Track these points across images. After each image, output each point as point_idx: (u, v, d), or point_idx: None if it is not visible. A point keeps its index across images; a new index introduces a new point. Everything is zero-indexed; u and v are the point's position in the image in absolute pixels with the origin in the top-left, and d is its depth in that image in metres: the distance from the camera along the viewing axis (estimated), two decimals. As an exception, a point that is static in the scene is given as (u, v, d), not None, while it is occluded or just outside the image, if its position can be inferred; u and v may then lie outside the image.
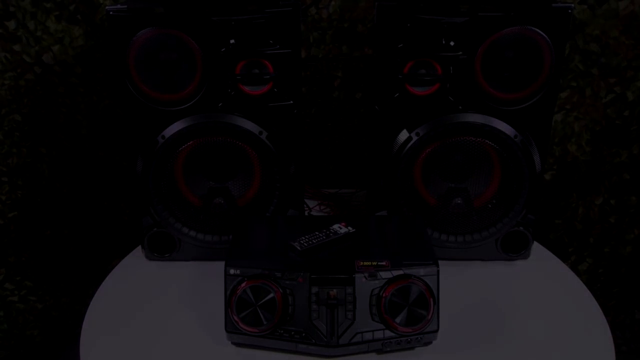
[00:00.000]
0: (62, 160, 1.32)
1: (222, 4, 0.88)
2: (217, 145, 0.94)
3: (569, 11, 0.86)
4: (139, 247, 1.07)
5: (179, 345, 0.85)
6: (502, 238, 1.01)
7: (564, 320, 0.90)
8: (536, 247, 1.06)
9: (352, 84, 1.28)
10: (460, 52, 0.89)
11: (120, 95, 0.92)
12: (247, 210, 1.00)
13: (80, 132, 1.29)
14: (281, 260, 0.82)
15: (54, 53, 1.20)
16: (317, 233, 0.87)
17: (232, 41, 0.89)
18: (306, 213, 1.17)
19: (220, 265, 0.81)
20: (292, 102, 0.95)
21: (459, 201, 0.98)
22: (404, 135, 0.94)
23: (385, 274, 0.80)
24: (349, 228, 0.89)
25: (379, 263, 0.80)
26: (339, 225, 0.90)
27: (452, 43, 0.89)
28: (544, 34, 0.87)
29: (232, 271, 0.80)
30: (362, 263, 0.80)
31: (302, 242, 0.85)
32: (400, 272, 0.80)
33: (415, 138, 0.93)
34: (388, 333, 0.79)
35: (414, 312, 0.79)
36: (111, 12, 0.86)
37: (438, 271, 0.80)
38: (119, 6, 0.87)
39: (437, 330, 0.80)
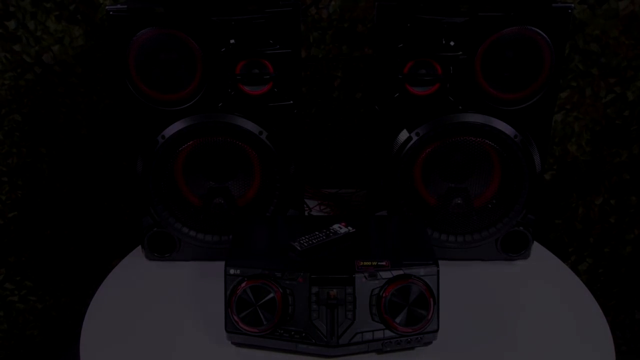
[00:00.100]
0: (62, 160, 1.32)
1: (222, 4, 0.88)
2: (217, 145, 0.94)
3: (569, 11, 0.86)
4: (139, 247, 1.07)
5: (179, 345, 0.85)
6: (502, 238, 1.01)
7: (564, 320, 0.90)
8: (536, 247, 1.06)
9: (352, 84, 1.28)
10: (460, 52, 0.89)
11: (120, 95, 0.92)
12: (247, 210, 1.00)
13: (80, 132, 1.29)
14: (281, 260, 0.82)
15: (54, 53, 1.20)
16: (317, 233, 0.87)
17: (232, 41, 0.89)
18: (306, 213, 1.17)
19: (220, 265, 0.81)
20: (292, 102, 0.95)
21: (459, 201, 0.98)
22: (404, 135, 0.94)
23: (385, 274, 0.80)
24: (349, 228, 0.89)
25: (379, 263, 0.80)
26: (339, 225, 0.90)
27: (452, 43, 0.89)
28: (544, 34, 0.87)
29: (232, 271, 0.80)
30: (362, 263, 0.80)
31: (302, 242, 0.85)
32: (400, 272, 0.80)
33: (415, 138, 0.93)
34: (388, 333, 0.79)
35: (414, 312, 0.79)
36: (111, 12, 0.86)
37: (438, 271, 0.80)
38: (119, 6, 0.87)
39: (437, 330, 0.80)
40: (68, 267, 1.43)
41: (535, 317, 0.91)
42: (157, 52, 0.88)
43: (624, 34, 1.18)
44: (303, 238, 0.86)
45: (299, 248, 0.84)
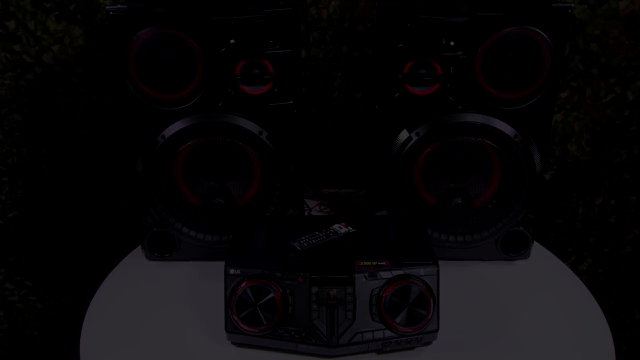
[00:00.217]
0: (62, 160, 1.32)
1: (222, 4, 0.88)
2: (217, 145, 0.94)
3: (569, 11, 0.86)
4: (139, 247, 1.07)
5: (179, 345, 0.85)
6: (502, 238, 1.01)
7: (564, 320, 0.90)
8: (536, 247, 1.06)
9: (352, 84, 1.28)
10: (460, 52, 0.89)
11: (120, 95, 0.92)
12: (247, 210, 1.00)
13: (80, 132, 1.29)
14: (281, 260, 0.82)
15: (54, 53, 1.20)
16: (317, 233, 0.87)
17: (232, 41, 0.89)
18: (306, 213, 1.17)
19: (220, 265, 0.81)
20: (292, 102, 0.95)
21: (459, 201, 0.98)
22: (404, 135, 0.94)
23: (385, 274, 0.80)
24: (349, 228, 0.89)
25: (379, 263, 0.80)
26: (339, 225, 0.90)
27: (452, 43, 0.89)
28: (544, 34, 0.87)
29: (232, 271, 0.80)
30: (362, 263, 0.80)
31: (302, 242, 0.85)
32: (400, 272, 0.80)
33: (415, 138, 0.93)
34: (388, 333, 0.80)
35: (414, 312, 0.79)
36: (111, 12, 0.86)
37: (438, 271, 0.80)
38: (119, 6, 0.87)
39: (437, 330, 0.80)
40: (68, 267, 1.43)
41: (535, 317, 0.91)
42: (157, 52, 0.88)
43: (624, 34, 1.18)
44: (303, 238, 0.86)
45: (299, 248, 0.84)
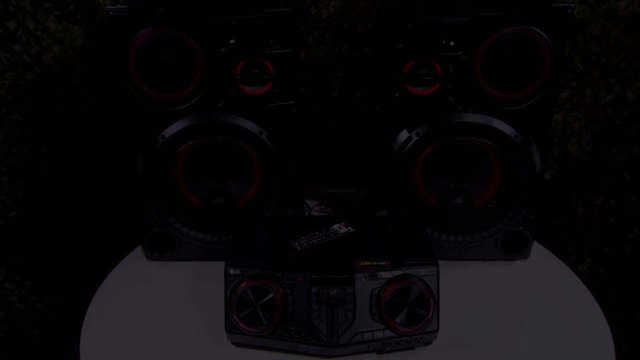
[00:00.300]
0: (62, 160, 1.32)
1: (222, 4, 0.88)
2: (217, 145, 0.94)
3: (569, 11, 0.86)
4: (139, 247, 1.07)
5: (179, 345, 0.85)
6: (502, 238, 1.01)
7: (564, 320, 0.90)
8: (536, 247, 1.06)
9: (352, 84, 1.28)
10: (460, 52, 0.89)
11: (120, 95, 0.92)
12: (247, 210, 1.00)
13: (80, 132, 1.29)
14: (281, 260, 0.82)
15: (54, 53, 1.20)
16: (317, 233, 0.87)
17: (232, 41, 0.89)
18: (306, 213, 1.17)
19: (220, 265, 0.81)
20: (292, 102, 0.95)
21: (459, 201, 0.98)
22: (404, 135, 0.94)
23: (385, 274, 0.80)
24: (349, 228, 0.89)
25: (379, 263, 0.80)
26: (339, 225, 0.90)
27: (452, 43, 0.89)
28: (544, 34, 0.87)
29: (232, 271, 0.80)
30: (362, 263, 0.80)
31: (302, 242, 0.85)
32: (400, 272, 0.80)
33: (415, 138, 0.93)
34: (388, 333, 0.79)
35: (414, 312, 0.79)
36: (111, 12, 0.86)
37: (438, 271, 0.80)
38: (119, 6, 0.87)
39: (437, 330, 0.80)
40: (68, 267, 1.43)
41: (535, 317, 0.91)
42: (157, 52, 0.88)
43: (624, 34, 1.18)
44: (303, 238, 0.86)
45: (299, 248, 0.84)
